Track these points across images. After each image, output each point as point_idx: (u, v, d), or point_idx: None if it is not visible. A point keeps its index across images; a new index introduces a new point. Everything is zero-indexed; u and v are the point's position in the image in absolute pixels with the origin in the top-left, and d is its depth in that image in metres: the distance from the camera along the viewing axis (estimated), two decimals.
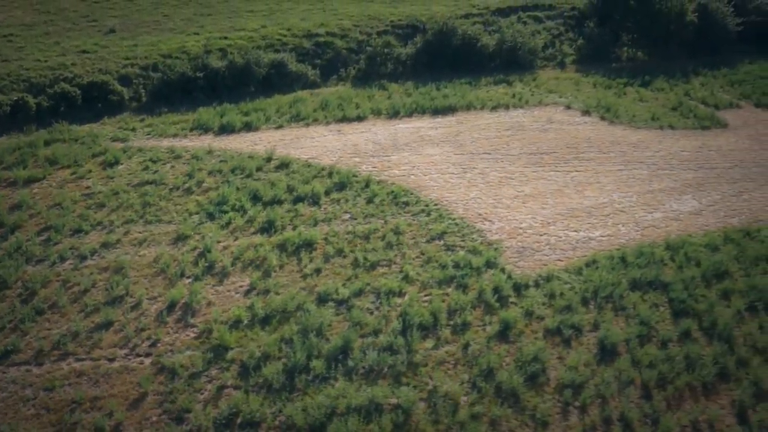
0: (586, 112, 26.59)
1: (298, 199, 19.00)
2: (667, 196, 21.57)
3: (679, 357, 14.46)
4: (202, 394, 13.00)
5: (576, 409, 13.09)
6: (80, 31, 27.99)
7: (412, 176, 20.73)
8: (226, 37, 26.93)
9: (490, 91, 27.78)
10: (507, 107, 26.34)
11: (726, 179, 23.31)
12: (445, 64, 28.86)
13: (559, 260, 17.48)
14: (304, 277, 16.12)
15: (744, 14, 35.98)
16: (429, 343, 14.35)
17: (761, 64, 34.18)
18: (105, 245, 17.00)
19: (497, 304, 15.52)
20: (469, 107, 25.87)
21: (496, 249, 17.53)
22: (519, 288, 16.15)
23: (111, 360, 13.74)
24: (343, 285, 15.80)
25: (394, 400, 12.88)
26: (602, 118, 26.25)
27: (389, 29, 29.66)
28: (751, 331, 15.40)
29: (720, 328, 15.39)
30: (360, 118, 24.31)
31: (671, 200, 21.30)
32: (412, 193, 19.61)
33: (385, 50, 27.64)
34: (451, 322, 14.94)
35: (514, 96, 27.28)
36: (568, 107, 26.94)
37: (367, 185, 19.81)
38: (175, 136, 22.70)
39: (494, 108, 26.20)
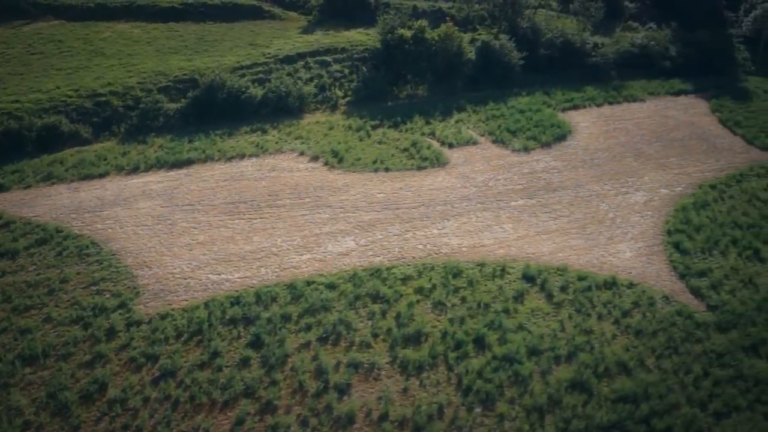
0: (314, 158, 32.99)
1: None
2: (329, 239, 27.78)
3: (223, 379, 20.93)
4: None
5: (109, 417, 19.69)
6: None
7: (110, 230, 27.45)
8: (18, 101, 33.94)
9: (240, 141, 34.30)
10: (243, 157, 32.91)
11: (402, 219, 29.31)
12: (215, 116, 35.35)
13: (185, 300, 24.04)
14: None
15: (535, 47, 41.77)
16: (29, 370, 21.11)
17: (535, 97, 40.09)
18: None
19: (104, 338, 22.19)
20: (206, 159, 32.49)
21: (137, 292, 24.17)
22: (131, 325, 22.81)
23: None
24: None
25: None
26: (326, 164, 32.64)
27: (171, 84, 36.39)
28: (303, 359, 21.68)
29: (275, 356, 21.78)
30: (102, 175, 31.13)
31: (330, 242, 27.51)
32: (98, 245, 26.36)
33: (156, 106, 34.20)
34: (58, 353, 21.66)
35: (257, 145, 33.80)
36: (302, 154, 33.36)
37: (64, 239, 26.59)
38: None
39: (231, 158, 32.78)
